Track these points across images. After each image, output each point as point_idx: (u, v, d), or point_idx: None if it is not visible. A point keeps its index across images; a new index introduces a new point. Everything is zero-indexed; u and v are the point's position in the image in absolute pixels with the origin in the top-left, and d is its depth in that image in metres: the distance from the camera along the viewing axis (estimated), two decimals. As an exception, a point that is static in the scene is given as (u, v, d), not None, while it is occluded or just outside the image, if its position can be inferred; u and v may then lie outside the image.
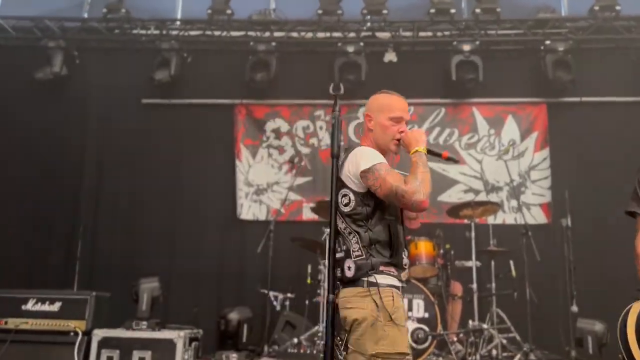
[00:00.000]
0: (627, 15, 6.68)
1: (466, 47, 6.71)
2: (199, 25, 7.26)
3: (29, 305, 4.32)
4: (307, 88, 7.11)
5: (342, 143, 7.32)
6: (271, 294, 5.72)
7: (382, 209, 2.52)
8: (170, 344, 4.09)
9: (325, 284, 4.87)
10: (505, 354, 4.72)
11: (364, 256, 2.45)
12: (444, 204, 6.50)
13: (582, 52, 6.76)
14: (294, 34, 7.21)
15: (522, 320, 4.94)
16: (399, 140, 2.60)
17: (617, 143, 6.47)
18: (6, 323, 4.21)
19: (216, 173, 6.95)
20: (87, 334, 4.23)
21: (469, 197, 6.65)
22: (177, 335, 4.10)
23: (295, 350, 4.53)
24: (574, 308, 4.97)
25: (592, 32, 6.75)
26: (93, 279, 6.39)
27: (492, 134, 6.91)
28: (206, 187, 6.87)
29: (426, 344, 4.44)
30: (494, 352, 4.70)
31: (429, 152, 2.56)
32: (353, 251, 2.48)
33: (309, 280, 5.32)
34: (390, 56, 7.14)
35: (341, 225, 2.55)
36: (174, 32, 7.26)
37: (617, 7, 6.59)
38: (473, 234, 5.11)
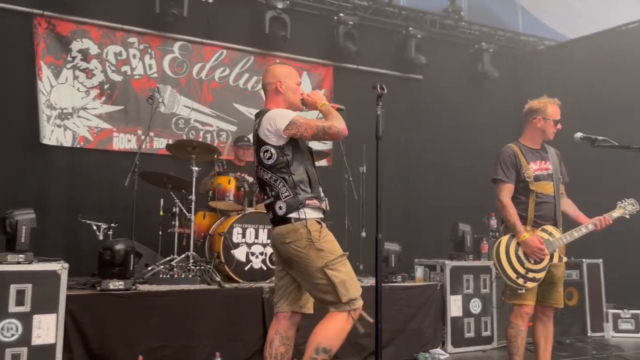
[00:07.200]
0: (397, 4, 8.34)
1: (279, 5, 7.40)
2: None
3: None
4: (119, 12, 6.75)
5: (155, 75, 7.32)
6: (93, 223, 5.61)
7: (298, 155, 3.16)
8: (53, 276, 3.89)
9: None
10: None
11: (292, 195, 3.09)
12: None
13: (363, 28, 8.17)
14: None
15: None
16: (302, 99, 3.33)
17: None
18: None
19: (14, 92, 6.11)
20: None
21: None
22: (61, 267, 3.90)
23: (168, 276, 4.73)
24: (363, 234, 6.43)
25: (371, 13, 8.24)
26: None
27: (290, 86, 7.85)
28: (3, 106, 6.01)
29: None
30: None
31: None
32: (282, 194, 3.10)
33: (161, 213, 5.43)
34: (208, -5, 7.29)
35: (266, 176, 3.14)
36: None
37: (391, -6, 8.18)
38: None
